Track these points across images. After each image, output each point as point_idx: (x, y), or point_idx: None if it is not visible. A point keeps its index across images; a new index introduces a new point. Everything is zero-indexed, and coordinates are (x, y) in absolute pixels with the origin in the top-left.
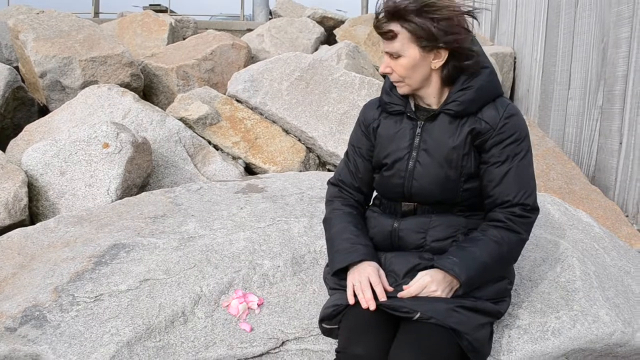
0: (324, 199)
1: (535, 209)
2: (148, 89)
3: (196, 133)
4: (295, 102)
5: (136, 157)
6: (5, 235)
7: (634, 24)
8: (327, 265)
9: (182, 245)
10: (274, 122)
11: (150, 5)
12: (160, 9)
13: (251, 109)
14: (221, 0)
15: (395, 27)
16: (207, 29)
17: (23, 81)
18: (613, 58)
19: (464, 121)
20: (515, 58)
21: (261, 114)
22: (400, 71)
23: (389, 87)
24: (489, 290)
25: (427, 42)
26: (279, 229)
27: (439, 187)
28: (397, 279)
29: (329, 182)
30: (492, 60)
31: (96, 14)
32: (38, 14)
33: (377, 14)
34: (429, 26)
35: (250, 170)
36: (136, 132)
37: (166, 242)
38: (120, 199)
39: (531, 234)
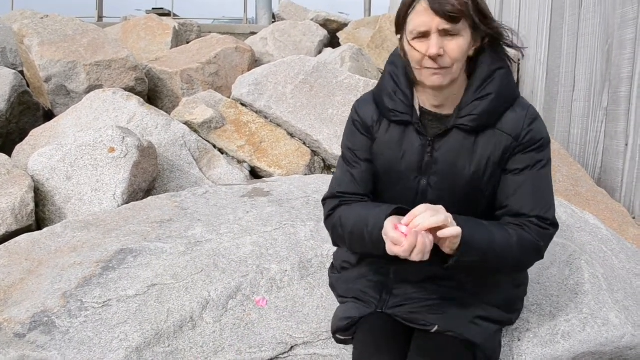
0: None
1: (554, 225)
2: (152, 92)
3: (201, 137)
4: (300, 105)
5: (142, 161)
6: (12, 241)
7: (638, 25)
8: (332, 271)
9: (189, 250)
10: (278, 125)
11: (154, 9)
12: (163, 13)
13: (256, 112)
14: (224, 4)
15: (462, 4)
16: (210, 32)
17: (28, 86)
18: (618, 60)
19: (485, 137)
20: (519, 60)
21: (266, 118)
22: (455, 53)
23: (393, 90)
24: (505, 297)
25: (479, 23)
26: (285, 233)
27: (455, 208)
28: (409, 290)
29: (325, 199)
30: None
31: (100, 18)
32: (42, 18)
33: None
34: (484, 6)
35: (255, 173)
36: (142, 136)
37: (173, 247)
38: (127, 203)
39: None
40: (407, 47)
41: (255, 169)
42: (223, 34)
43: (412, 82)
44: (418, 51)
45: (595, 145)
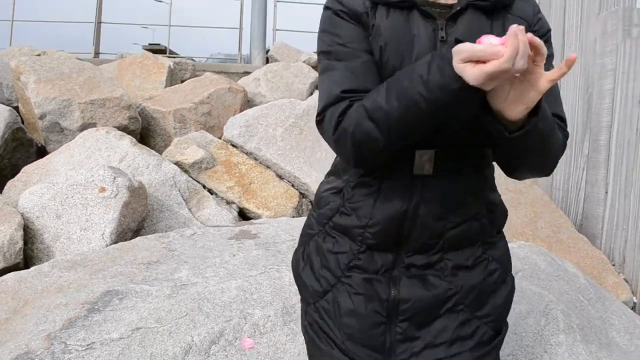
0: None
1: (567, 129)
2: (145, 131)
3: (191, 177)
4: (289, 148)
5: (132, 201)
6: None
7: (616, 76)
8: (306, 320)
9: (175, 293)
10: (268, 167)
11: (150, 44)
12: (159, 49)
13: (246, 153)
14: (220, 40)
15: None
16: (205, 71)
17: (22, 121)
18: (598, 109)
19: (499, 20)
20: None
21: (256, 159)
22: None
23: None
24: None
25: None
26: (270, 277)
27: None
28: (415, 322)
29: (324, 111)
30: None
31: (96, 54)
32: (39, 55)
33: None
34: None
35: (243, 214)
36: (133, 175)
37: (159, 290)
38: (115, 243)
39: (517, 286)
40: None
41: (243, 210)
42: (217, 72)
43: None
44: None
45: (577, 192)
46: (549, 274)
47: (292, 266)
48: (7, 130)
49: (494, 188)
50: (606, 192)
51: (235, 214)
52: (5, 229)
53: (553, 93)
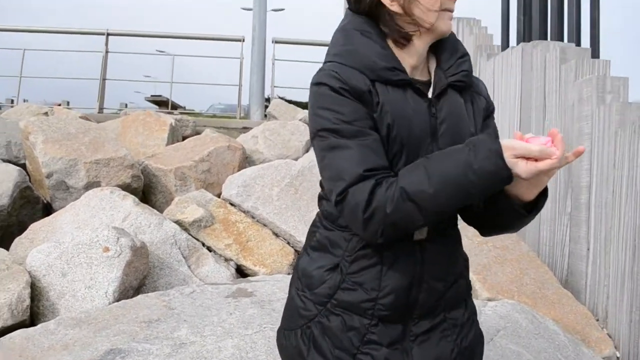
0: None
1: None
2: (147, 188)
3: (191, 235)
4: (285, 207)
5: (134, 260)
6: (7, 336)
7: (592, 140)
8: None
9: (174, 352)
10: (264, 225)
11: (152, 96)
12: (161, 100)
13: (244, 212)
14: (220, 91)
15: None
16: (205, 126)
17: (29, 178)
18: (577, 170)
19: (468, 97)
20: None
21: (253, 218)
22: None
23: (382, 47)
24: None
25: None
26: (265, 337)
27: None
28: None
29: (345, 191)
30: None
31: (100, 109)
32: (46, 113)
33: None
34: None
35: (241, 271)
36: (135, 234)
37: (159, 349)
38: (117, 300)
39: (493, 344)
40: None
41: (241, 267)
42: (217, 128)
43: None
44: None
45: (562, 248)
46: (529, 331)
47: (288, 352)
48: (15, 189)
49: (461, 245)
50: (588, 249)
51: (233, 270)
52: (14, 287)
53: None
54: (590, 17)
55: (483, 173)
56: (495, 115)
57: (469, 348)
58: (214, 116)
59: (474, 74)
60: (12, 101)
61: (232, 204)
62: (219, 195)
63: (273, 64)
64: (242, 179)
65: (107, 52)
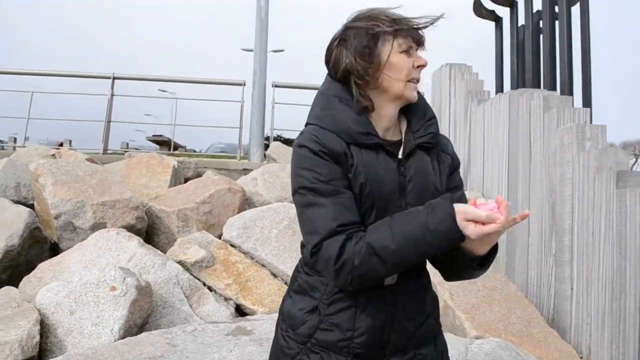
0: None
1: None
2: (151, 228)
3: (193, 275)
4: (283, 248)
5: (139, 299)
6: None
7: (574, 184)
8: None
9: None
10: (263, 266)
11: (154, 135)
12: (162, 140)
13: (243, 253)
14: (220, 131)
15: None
16: (206, 167)
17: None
18: (560, 212)
19: (434, 156)
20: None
21: (252, 258)
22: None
23: (357, 113)
24: None
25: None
26: None
27: None
28: None
29: (319, 245)
30: None
31: (105, 150)
32: (53, 155)
33: (422, 26)
34: None
35: (240, 310)
36: (140, 274)
37: None
38: (122, 338)
39: None
40: (396, 60)
41: (240, 306)
42: (218, 169)
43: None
44: (405, 66)
45: (548, 288)
46: None
47: None
48: (25, 230)
49: (431, 287)
50: (572, 289)
51: (233, 309)
52: (24, 324)
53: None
54: (582, 65)
55: (438, 233)
56: (487, 156)
57: None
58: (215, 156)
59: (465, 117)
60: (15, 140)
61: (232, 245)
62: (219, 236)
63: (273, 107)
64: (242, 221)
65: (112, 95)
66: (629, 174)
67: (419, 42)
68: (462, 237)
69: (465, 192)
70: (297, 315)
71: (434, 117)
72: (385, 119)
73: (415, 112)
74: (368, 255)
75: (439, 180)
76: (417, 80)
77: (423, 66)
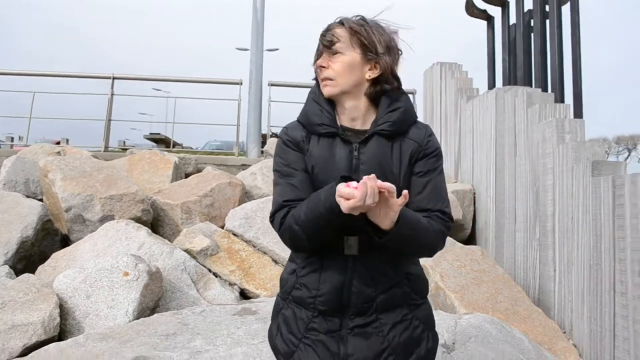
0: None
1: (451, 219)
2: (156, 221)
3: (199, 262)
4: None
5: (150, 283)
6: (43, 349)
7: (555, 173)
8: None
9: (192, 358)
10: (265, 253)
11: (151, 133)
12: (159, 138)
13: (246, 242)
14: (216, 129)
15: (341, 31)
16: (206, 164)
17: None
18: (543, 200)
19: (397, 142)
20: (474, 194)
21: (254, 246)
22: (337, 67)
23: (319, 110)
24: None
25: (369, 51)
26: (269, 345)
27: None
28: None
29: (273, 214)
30: (453, 196)
31: (106, 148)
32: (59, 152)
33: (329, 30)
34: (374, 38)
35: (244, 294)
36: (149, 262)
37: (179, 355)
38: (136, 319)
39: (465, 347)
40: (316, 65)
41: (244, 290)
42: (218, 165)
43: (332, 105)
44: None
45: (534, 270)
46: (498, 339)
47: (269, 337)
48: (39, 222)
49: (414, 262)
50: (554, 270)
51: (237, 294)
52: (45, 307)
53: (436, 192)
54: (572, 62)
55: (325, 207)
56: (476, 149)
57: (403, 345)
58: (212, 153)
59: (455, 113)
60: (12, 139)
61: (235, 235)
62: (222, 227)
63: (269, 105)
64: (244, 212)
65: (112, 94)
66: (603, 163)
67: (325, 45)
68: (340, 210)
69: (457, 184)
70: (283, 277)
71: (397, 108)
72: (347, 111)
73: (383, 103)
74: (292, 223)
75: (397, 164)
76: (324, 79)
77: (320, 67)
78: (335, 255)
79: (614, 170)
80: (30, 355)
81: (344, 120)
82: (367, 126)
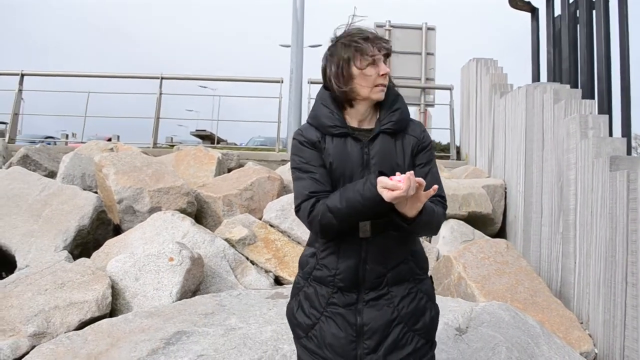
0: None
1: (447, 203)
2: (199, 212)
3: (237, 250)
4: None
5: (192, 269)
6: (96, 323)
7: (577, 169)
8: (300, 349)
9: (227, 334)
10: (298, 243)
11: (197, 130)
12: (205, 134)
13: (281, 232)
14: (259, 125)
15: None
16: (248, 159)
17: None
18: (567, 194)
19: (399, 138)
20: (505, 189)
21: (289, 237)
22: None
23: (329, 113)
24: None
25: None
26: (286, 320)
27: None
28: (375, 338)
29: (299, 205)
30: (483, 191)
31: (155, 144)
32: (112, 149)
33: (385, 40)
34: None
35: (278, 281)
36: (192, 249)
37: (215, 331)
38: (179, 300)
39: (476, 330)
40: (365, 72)
41: (278, 277)
42: (259, 161)
43: (339, 108)
44: (371, 75)
45: (557, 263)
46: (510, 324)
47: (287, 313)
48: (94, 212)
49: (416, 242)
50: (575, 263)
51: (272, 280)
52: (99, 287)
53: (435, 180)
54: (620, 54)
55: (366, 197)
56: (508, 145)
57: (411, 314)
58: (255, 149)
59: (489, 109)
60: (67, 136)
61: (271, 225)
62: (260, 218)
63: (309, 102)
64: (280, 204)
65: (161, 93)
66: (621, 159)
67: (385, 54)
68: (381, 199)
69: (489, 179)
70: (303, 260)
71: (398, 108)
72: (359, 113)
73: (384, 105)
74: (325, 212)
75: (402, 157)
76: (383, 85)
77: (385, 74)
78: (350, 239)
79: (632, 165)
80: (84, 329)
81: (351, 121)
82: (371, 125)
